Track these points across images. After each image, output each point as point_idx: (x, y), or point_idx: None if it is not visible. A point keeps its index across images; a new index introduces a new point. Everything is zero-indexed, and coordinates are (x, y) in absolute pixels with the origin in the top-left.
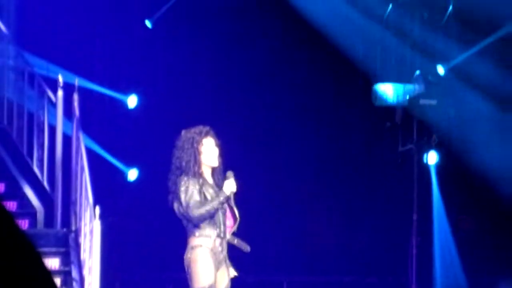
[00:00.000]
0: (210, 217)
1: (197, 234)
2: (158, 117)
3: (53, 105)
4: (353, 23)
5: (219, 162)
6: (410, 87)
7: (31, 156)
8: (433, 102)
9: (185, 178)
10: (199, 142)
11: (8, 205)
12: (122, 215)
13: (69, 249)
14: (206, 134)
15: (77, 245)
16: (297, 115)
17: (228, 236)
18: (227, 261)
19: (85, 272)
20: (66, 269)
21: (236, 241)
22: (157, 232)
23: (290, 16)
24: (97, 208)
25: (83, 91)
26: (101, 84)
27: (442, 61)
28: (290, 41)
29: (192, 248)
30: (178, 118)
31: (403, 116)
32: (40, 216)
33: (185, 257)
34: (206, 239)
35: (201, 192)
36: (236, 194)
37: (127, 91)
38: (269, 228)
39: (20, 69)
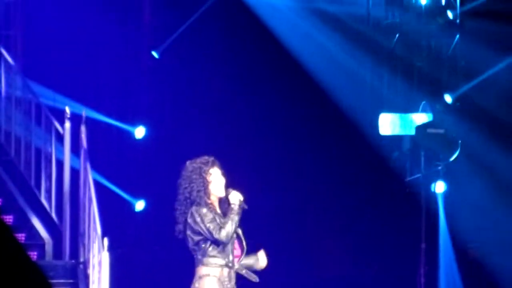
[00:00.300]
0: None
1: (205, 263)
2: (165, 148)
3: (61, 136)
4: (360, 52)
5: (226, 192)
6: (417, 116)
7: (38, 187)
8: (441, 131)
9: (198, 208)
10: (206, 172)
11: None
12: (130, 246)
13: (77, 280)
14: (213, 164)
15: (86, 277)
16: (304, 144)
17: (236, 265)
18: None
19: None
20: None
21: (244, 271)
22: (164, 262)
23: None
24: (106, 240)
25: (90, 122)
26: (108, 115)
27: (449, 91)
28: (294, 74)
29: (200, 277)
30: (184, 149)
31: (410, 146)
32: (48, 248)
33: (192, 286)
34: (214, 268)
35: (215, 218)
36: (243, 228)
37: (134, 122)
38: (275, 259)
39: (27, 100)
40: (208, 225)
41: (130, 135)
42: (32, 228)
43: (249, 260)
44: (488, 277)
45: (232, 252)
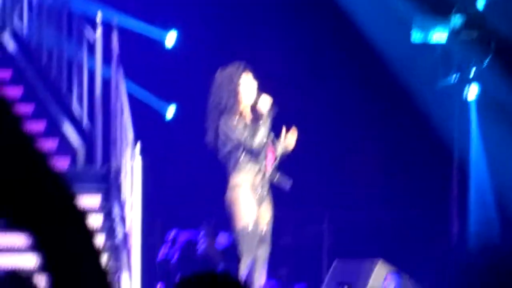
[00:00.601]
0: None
1: (237, 172)
2: (196, 55)
3: (92, 44)
4: None
5: (257, 98)
6: (449, 21)
7: (70, 94)
8: (473, 35)
9: (229, 116)
10: (237, 79)
11: (48, 143)
12: (162, 153)
13: (110, 186)
14: (244, 71)
15: (118, 183)
16: (339, 61)
17: (269, 172)
18: (269, 197)
19: (127, 209)
20: (108, 206)
21: (277, 177)
22: (196, 170)
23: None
24: (138, 145)
25: (121, 30)
26: (139, 21)
27: None
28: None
29: (233, 187)
30: (216, 56)
31: (442, 51)
32: (80, 154)
33: (226, 196)
34: (246, 176)
35: (247, 126)
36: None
37: (166, 28)
38: (310, 163)
39: (58, 6)
40: (240, 133)
41: (161, 43)
42: (64, 134)
43: (279, 147)
44: None
45: (265, 159)
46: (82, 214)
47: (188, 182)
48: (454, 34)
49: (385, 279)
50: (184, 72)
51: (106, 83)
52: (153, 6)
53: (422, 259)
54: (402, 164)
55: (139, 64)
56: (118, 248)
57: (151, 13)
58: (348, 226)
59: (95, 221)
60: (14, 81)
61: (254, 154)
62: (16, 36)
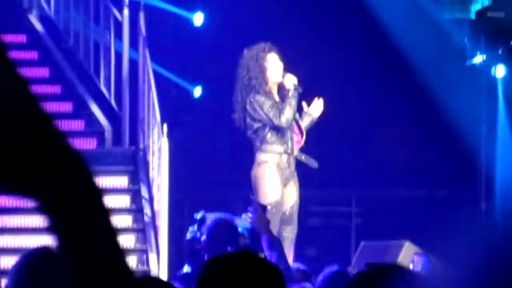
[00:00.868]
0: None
1: (264, 150)
2: (223, 34)
3: (119, 24)
4: None
5: (283, 77)
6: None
7: (98, 75)
8: (501, 14)
9: (256, 95)
10: (263, 58)
11: (76, 124)
12: (189, 133)
13: (137, 167)
14: (270, 50)
15: (146, 163)
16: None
17: (296, 152)
18: (295, 178)
19: (154, 189)
20: (135, 187)
21: (303, 157)
22: (223, 149)
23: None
24: (165, 126)
25: (148, 9)
26: (166, 0)
27: None
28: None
29: (259, 164)
30: (243, 36)
31: (470, 29)
32: (108, 135)
33: (251, 173)
34: (273, 155)
35: (274, 104)
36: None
37: (193, 8)
38: (336, 142)
39: None
40: (267, 111)
41: (188, 22)
42: (92, 115)
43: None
44: None
45: (291, 138)
46: (101, 192)
47: (215, 161)
48: (481, 13)
49: (412, 260)
50: (211, 52)
51: (133, 64)
52: None
53: (449, 239)
54: (429, 143)
55: (166, 44)
56: (145, 229)
57: None
58: (376, 206)
59: (122, 201)
60: (41, 62)
61: (281, 133)
62: (42, 17)
